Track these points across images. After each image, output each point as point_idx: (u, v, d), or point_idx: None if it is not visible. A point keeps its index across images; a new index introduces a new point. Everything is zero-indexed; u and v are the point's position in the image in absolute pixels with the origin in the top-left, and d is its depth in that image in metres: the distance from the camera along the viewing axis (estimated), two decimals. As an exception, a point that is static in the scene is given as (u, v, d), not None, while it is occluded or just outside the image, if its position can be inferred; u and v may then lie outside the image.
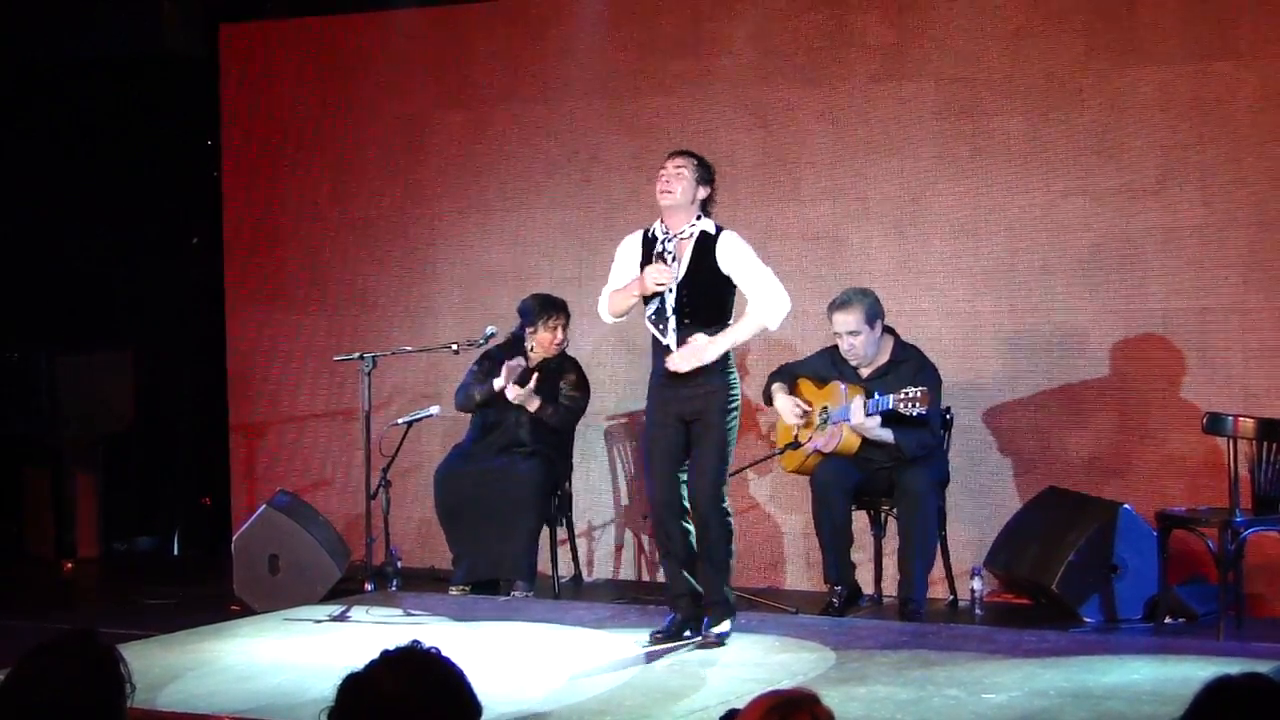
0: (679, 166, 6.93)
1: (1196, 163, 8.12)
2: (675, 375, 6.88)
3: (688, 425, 6.92)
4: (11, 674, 3.26)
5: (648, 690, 6.18)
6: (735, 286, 6.95)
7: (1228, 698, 2.97)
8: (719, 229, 6.93)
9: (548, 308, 8.58)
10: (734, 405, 6.89)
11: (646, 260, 6.98)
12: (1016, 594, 8.25)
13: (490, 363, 8.64)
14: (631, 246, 7.09)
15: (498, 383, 8.51)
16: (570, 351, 8.80)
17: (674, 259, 6.90)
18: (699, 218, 6.94)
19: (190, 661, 6.75)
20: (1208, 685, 2.99)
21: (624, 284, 7.04)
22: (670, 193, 6.90)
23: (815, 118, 8.85)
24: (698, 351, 6.84)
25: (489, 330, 8.59)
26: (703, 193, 6.95)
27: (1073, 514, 7.90)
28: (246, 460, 10.16)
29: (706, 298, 6.88)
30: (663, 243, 6.95)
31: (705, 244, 6.89)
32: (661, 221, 6.99)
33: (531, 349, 8.58)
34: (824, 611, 7.85)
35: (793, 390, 8.05)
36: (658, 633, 7.00)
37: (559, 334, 8.56)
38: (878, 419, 7.70)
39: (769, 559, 8.90)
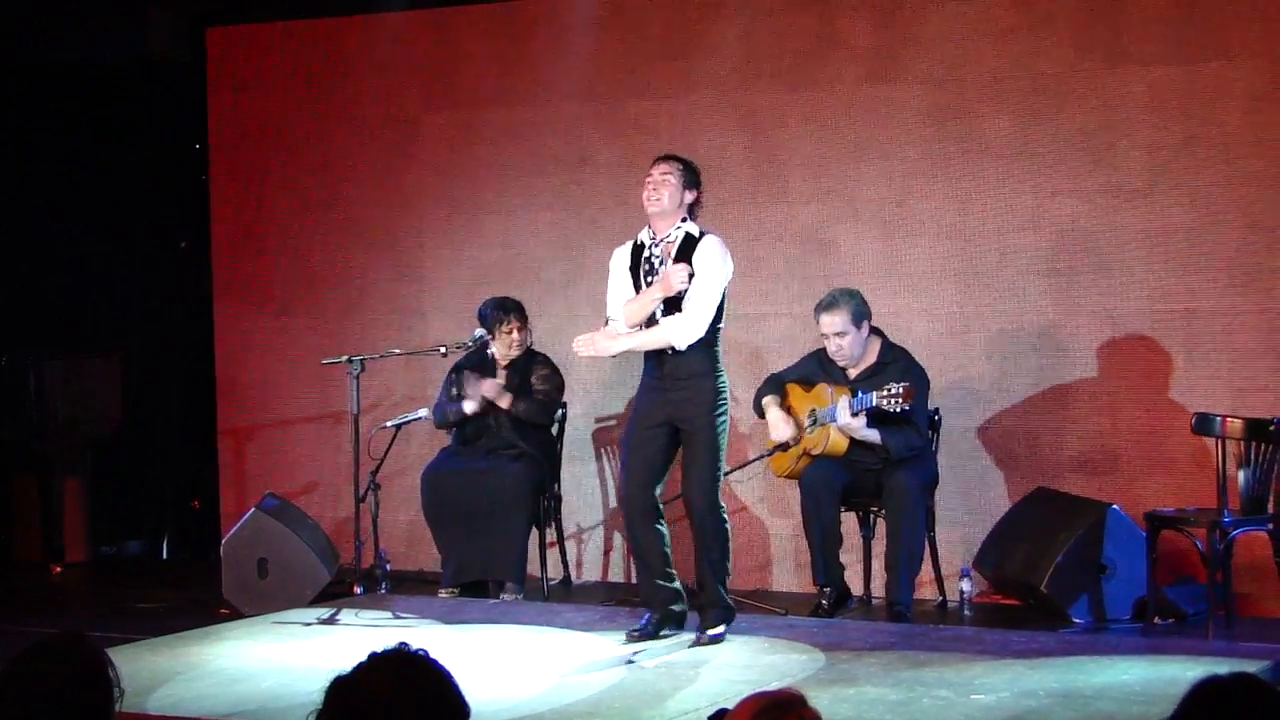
0: (665, 173, 6.95)
1: (1185, 164, 8.13)
2: (664, 377, 6.91)
3: (675, 430, 6.94)
4: (-1, 678, 3.26)
5: (636, 692, 6.19)
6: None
7: (1216, 698, 2.97)
8: (703, 233, 6.95)
9: (499, 312, 8.58)
10: (723, 408, 6.91)
11: (636, 267, 7.00)
12: (1005, 595, 8.26)
13: (459, 374, 8.66)
14: (622, 258, 7.11)
15: (468, 406, 8.54)
16: (559, 352, 8.80)
17: (661, 262, 6.92)
18: (685, 220, 6.96)
19: (179, 665, 6.74)
20: (1196, 685, 2.99)
21: (624, 294, 7.03)
22: (658, 200, 6.92)
23: (803, 119, 8.85)
24: (597, 344, 7.02)
25: (477, 333, 8.59)
26: (689, 197, 6.98)
27: (1061, 515, 7.90)
28: (235, 464, 10.15)
29: (684, 296, 6.89)
30: (650, 248, 6.97)
31: (688, 247, 6.92)
32: (649, 227, 7.02)
33: (493, 353, 8.59)
34: (813, 613, 7.85)
35: (782, 397, 8.06)
36: (634, 631, 7.03)
37: (515, 335, 8.57)
38: (864, 418, 7.71)
39: (758, 560, 8.90)
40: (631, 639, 6.99)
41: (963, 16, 8.51)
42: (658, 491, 7.01)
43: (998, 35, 8.45)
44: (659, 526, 7.00)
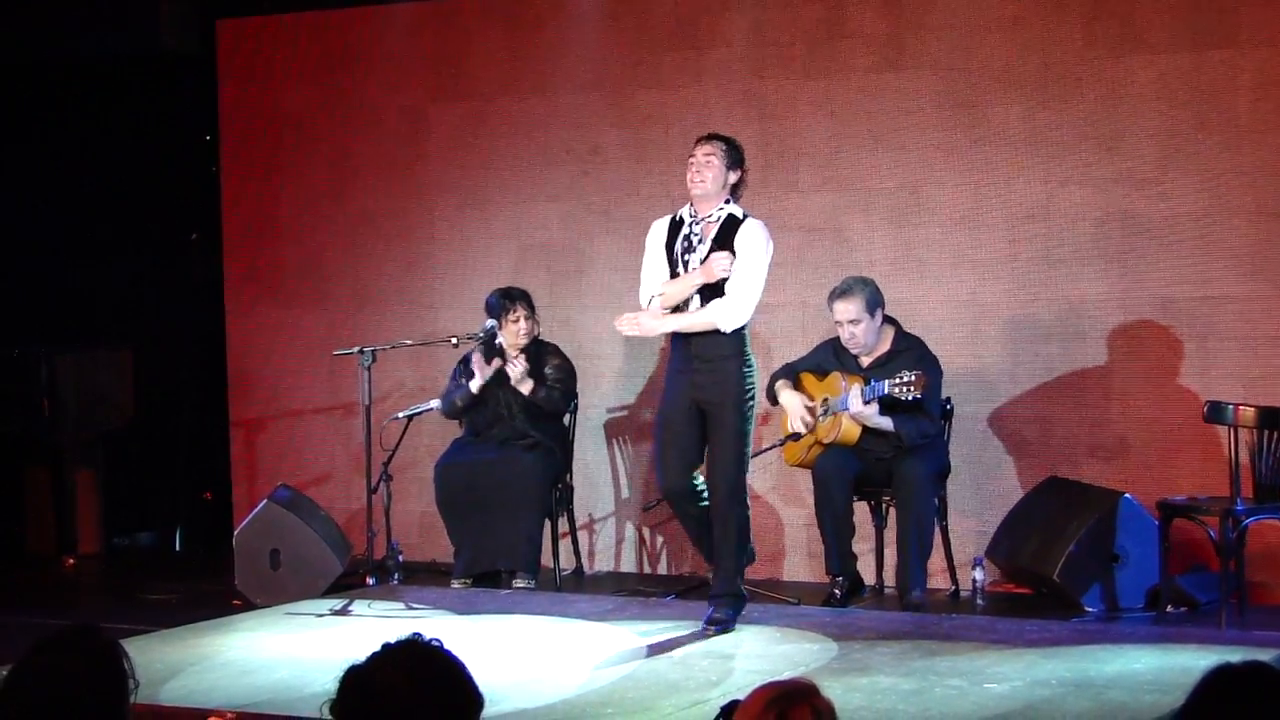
0: (708, 154, 6.94)
1: (1195, 151, 8.11)
2: (691, 359, 6.90)
3: (703, 413, 6.94)
4: (14, 671, 3.26)
5: (650, 682, 6.19)
6: None
7: (1229, 686, 2.97)
8: (746, 215, 6.95)
9: (506, 300, 8.58)
10: (750, 395, 6.91)
11: (673, 244, 6.98)
12: (1018, 584, 8.26)
13: (467, 365, 8.67)
14: (659, 232, 7.09)
15: (474, 384, 8.54)
16: (571, 342, 8.81)
17: (700, 241, 6.92)
18: (728, 202, 6.96)
19: (192, 656, 6.76)
20: (1209, 674, 2.99)
21: (659, 270, 7.02)
22: (701, 182, 6.91)
23: (814, 109, 8.85)
24: (643, 324, 6.95)
25: (488, 324, 8.59)
26: (733, 177, 6.98)
27: (1074, 503, 7.90)
28: (247, 455, 10.16)
29: (725, 281, 6.88)
30: (690, 225, 6.96)
31: (729, 228, 6.91)
32: (691, 205, 7.01)
33: (502, 344, 8.58)
34: (826, 602, 7.85)
35: (795, 386, 8.06)
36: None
37: (522, 323, 8.56)
38: (876, 406, 7.71)
39: (771, 550, 8.90)
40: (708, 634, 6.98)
41: (972, 4, 8.50)
42: (696, 475, 7.01)
43: (1007, 23, 8.44)
44: (702, 503, 7.02)
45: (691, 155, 7.00)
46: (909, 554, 7.73)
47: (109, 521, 10.33)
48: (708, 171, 6.91)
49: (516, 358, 8.52)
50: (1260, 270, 8.01)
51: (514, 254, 9.49)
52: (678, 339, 6.99)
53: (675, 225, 7.04)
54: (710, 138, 7.04)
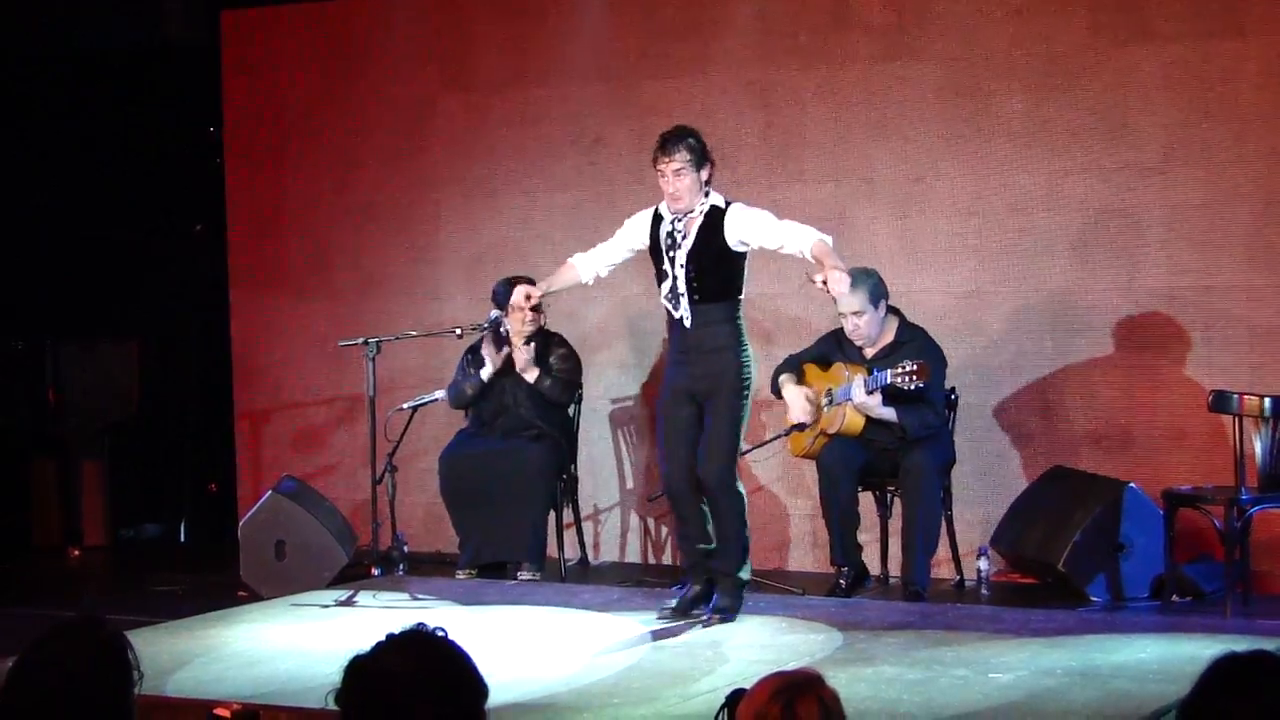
0: (678, 169, 6.85)
1: (1199, 141, 8.10)
2: (687, 351, 6.89)
3: (700, 404, 6.93)
4: (19, 662, 3.27)
5: (655, 672, 6.19)
6: (744, 258, 6.94)
7: (1234, 675, 2.97)
8: (728, 203, 6.93)
9: (513, 289, 8.57)
10: (747, 384, 6.90)
11: (655, 238, 6.98)
12: (1023, 574, 8.26)
13: (475, 355, 8.67)
14: (641, 221, 7.10)
15: (485, 372, 8.55)
16: (575, 331, 8.81)
17: (684, 236, 6.90)
18: (706, 195, 6.93)
19: (198, 647, 6.76)
20: (1214, 662, 2.99)
21: (614, 252, 7.20)
22: (680, 197, 6.86)
23: (818, 99, 8.84)
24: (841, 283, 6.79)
25: (493, 315, 8.58)
26: (705, 175, 6.93)
27: (1079, 493, 7.90)
28: (252, 446, 10.17)
29: (715, 272, 6.88)
30: (672, 222, 6.95)
31: (714, 219, 6.88)
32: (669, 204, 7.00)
33: (507, 332, 8.58)
34: (831, 593, 7.86)
35: (799, 377, 8.05)
36: (666, 607, 7.02)
37: (528, 313, 8.55)
38: (879, 396, 7.71)
39: (776, 540, 8.91)
40: (663, 615, 6.99)
41: (977, -6, 8.50)
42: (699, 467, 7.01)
43: (1012, 13, 8.43)
44: (703, 506, 7.01)
45: (658, 169, 6.90)
46: (914, 544, 7.73)
47: (114, 513, 10.34)
48: (681, 184, 6.85)
49: (523, 346, 8.52)
50: (1266, 258, 8.01)
51: (519, 244, 9.48)
52: (676, 329, 6.98)
53: (656, 220, 7.03)
54: (669, 146, 6.87)
